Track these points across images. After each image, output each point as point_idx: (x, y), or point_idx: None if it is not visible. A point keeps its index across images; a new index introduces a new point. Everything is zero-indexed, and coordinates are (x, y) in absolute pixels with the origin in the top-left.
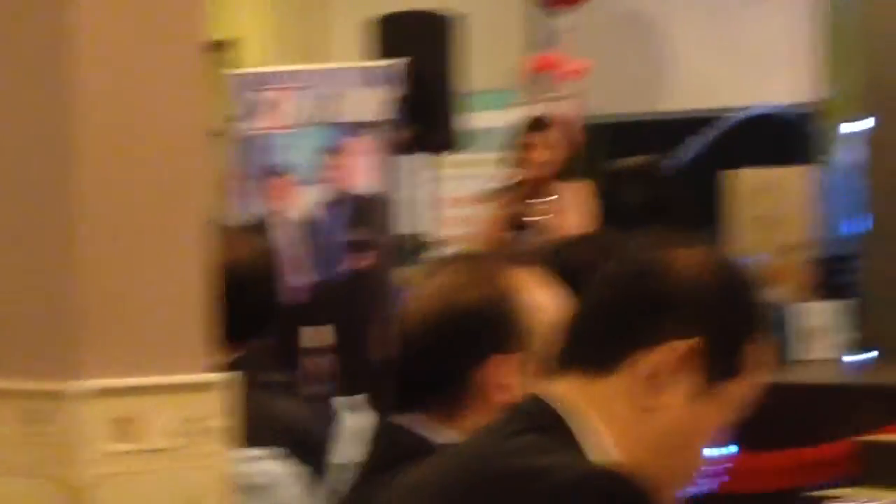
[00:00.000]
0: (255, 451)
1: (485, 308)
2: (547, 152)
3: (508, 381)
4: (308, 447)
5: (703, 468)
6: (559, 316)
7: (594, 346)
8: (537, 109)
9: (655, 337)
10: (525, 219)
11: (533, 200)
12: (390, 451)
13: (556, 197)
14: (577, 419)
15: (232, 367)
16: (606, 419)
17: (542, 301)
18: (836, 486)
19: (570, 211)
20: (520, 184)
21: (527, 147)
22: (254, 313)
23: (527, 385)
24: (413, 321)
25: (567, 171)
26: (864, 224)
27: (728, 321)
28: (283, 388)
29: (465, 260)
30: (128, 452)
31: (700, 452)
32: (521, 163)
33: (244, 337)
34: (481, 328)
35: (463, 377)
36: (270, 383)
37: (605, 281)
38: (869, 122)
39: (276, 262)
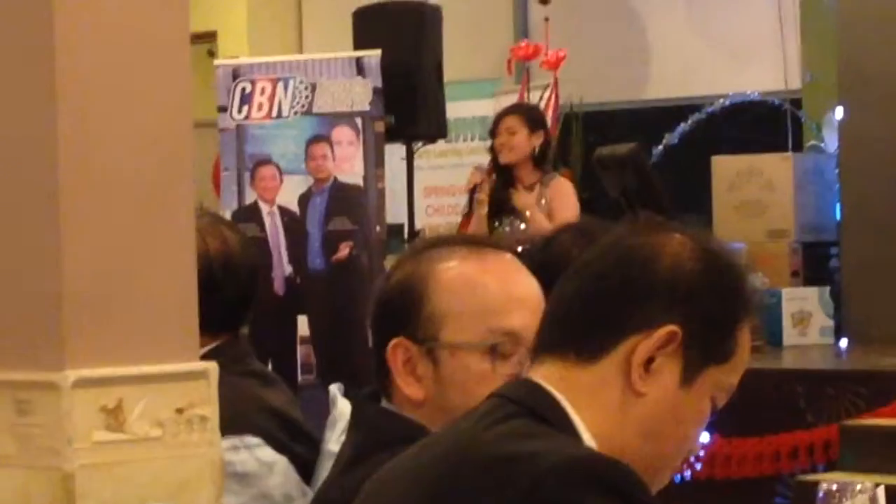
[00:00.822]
0: (244, 440)
1: (393, 290)
2: (522, 137)
3: (413, 364)
4: (296, 435)
5: (693, 453)
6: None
7: (579, 332)
8: (520, 99)
9: (644, 323)
10: (510, 206)
11: (515, 189)
12: (374, 435)
13: (539, 187)
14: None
15: (213, 355)
16: (592, 405)
17: (470, 283)
18: (814, 471)
19: (555, 203)
20: (499, 170)
21: (502, 132)
22: (234, 303)
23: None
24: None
25: (545, 159)
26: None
27: (716, 307)
28: (267, 376)
29: (418, 245)
30: (117, 441)
31: (689, 437)
32: (498, 148)
33: (224, 326)
34: (384, 311)
35: (384, 360)
36: (256, 372)
37: (589, 267)
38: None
39: (256, 252)
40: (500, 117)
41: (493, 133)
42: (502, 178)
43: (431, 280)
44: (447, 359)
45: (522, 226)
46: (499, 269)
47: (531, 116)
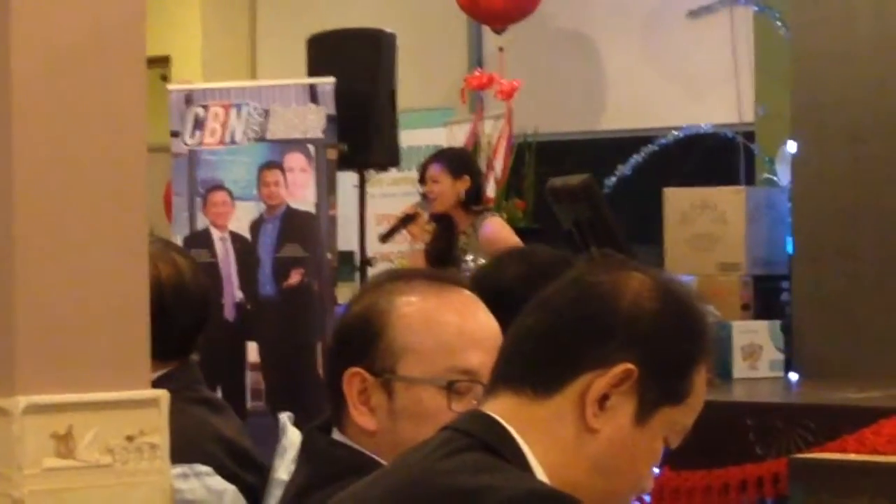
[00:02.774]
0: (194, 468)
1: (351, 321)
2: (447, 185)
3: (368, 395)
4: (246, 463)
5: (644, 491)
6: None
7: (536, 367)
8: (473, 128)
9: (601, 360)
10: (453, 254)
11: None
12: (325, 466)
13: (472, 230)
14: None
15: (163, 381)
16: (546, 440)
17: (431, 320)
18: None
19: (487, 247)
20: (437, 218)
21: (427, 181)
22: (185, 329)
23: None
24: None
25: (475, 202)
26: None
27: (673, 347)
28: (217, 403)
29: (379, 278)
30: (67, 468)
31: (642, 475)
32: (426, 195)
33: (175, 353)
34: (343, 341)
35: (338, 389)
36: (206, 399)
37: (548, 303)
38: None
39: (207, 278)
40: (424, 165)
41: (420, 181)
42: (441, 224)
43: (392, 313)
44: (402, 392)
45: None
46: (458, 306)
47: (453, 163)
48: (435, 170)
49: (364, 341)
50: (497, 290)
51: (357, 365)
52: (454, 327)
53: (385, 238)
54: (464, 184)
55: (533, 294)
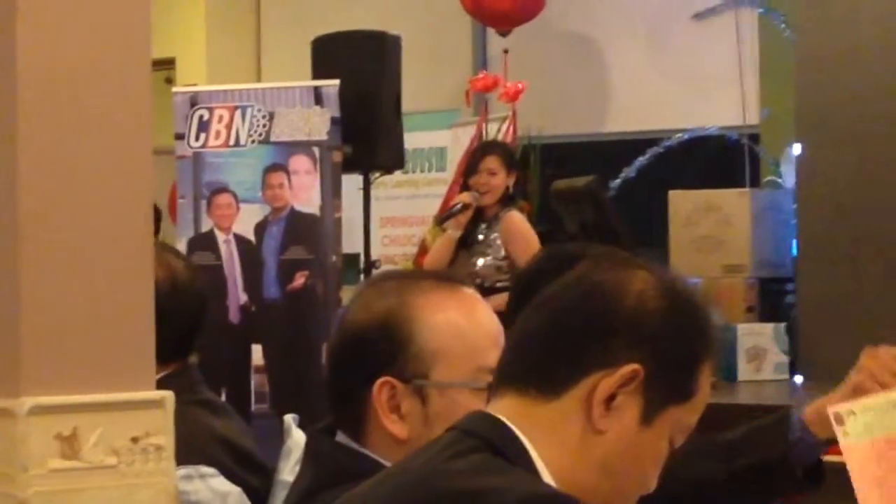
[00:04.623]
0: (199, 469)
1: (370, 327)
2: (502, 178)
3: (397, 402)
4: (249, 465)
5: (649, 490)
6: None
7: (541, 367)
8: (477, 131)
9: (607, 360)
10: (475, 238)
11: (480, 224)
12: (330, 469)
13: (502, 222)
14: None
15: (162, 384)
16: (551, 441)
17: (457, 323)
18: None
19: (507, 236)
20: (472, 207)
21: (482, 171)
22: (182, 331)
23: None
24: (330, 342)
25: (513, 198)
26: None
27: (679, 346)
28: (218, 405)
29: (380, 279)
30: (72, 469)
31: (647, 476)
32: (475, 186)
33: (172, 355)
34: (362, 350)
35: (358, 397)
36: (206, 400)
37: (552, 302)
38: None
39: (204, 280)
40: (480, 156)
41: (471, 170)
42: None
43: (417, 319)
44: (436, 397)
45: (480, 261)
46: (473, 306)
47: (508, 157)
48: (493, 162)
49: (391, 349)
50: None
51: (384, 373)
52: (476, 327)
53: (443, 221)
54: (512, 178)
55: None
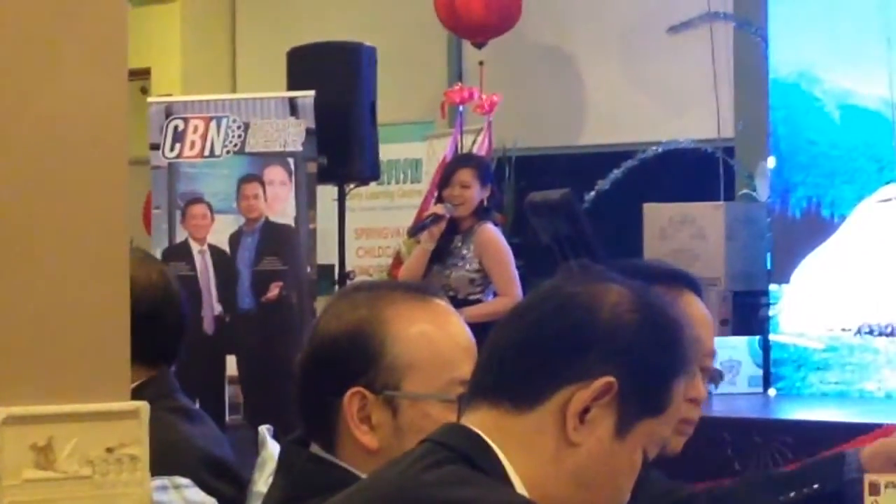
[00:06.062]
0: (174, 480)
1: (342, 338)
2: (475, 191)
3: (367, 413)
4: (224, 475)
5: (623, 503)
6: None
7: (514, 380)
8: (452, 142)
9: (581, 373)
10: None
11: (454, 237)
12: (303, 480)
13: (476, 234)
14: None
15: (141, 389)
16: (526, 454)
17: (429, 335)
18: None
19: (482, 250)
20: (445, 219)
21: (455, 185)
22: (158, 340)
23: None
24: (301, 352)
25: (487, 211)
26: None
27: (653, 359)
28: (193, 413)
29: (353, 290)
30: (46, 480)
31: (621, 488)
32: (449, 198)
33: (159, 358)
34: (332, 360)
35: (330, 408)
36: (183, 408)
37: (526, 315)
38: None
39: (179, 290)
40: (454, 168)
41: (445, 182)
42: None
43: (388, 330)
44: (407, 408)
45: (454, 274)
46: (445, 318)
47: (483, 170)
48: (467, 175)
49: (362, 359)
50: None
51: (355, 383)
52: (450, 340)
53: (414, 233)
54: (486, 191)
55: None
